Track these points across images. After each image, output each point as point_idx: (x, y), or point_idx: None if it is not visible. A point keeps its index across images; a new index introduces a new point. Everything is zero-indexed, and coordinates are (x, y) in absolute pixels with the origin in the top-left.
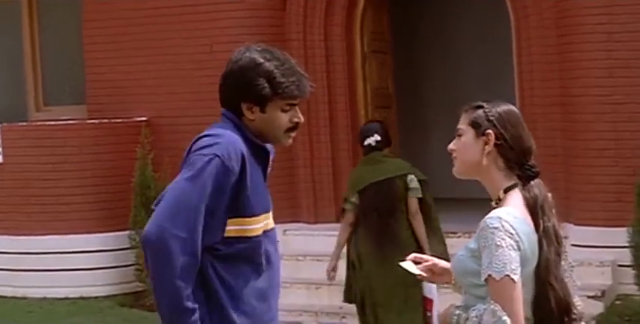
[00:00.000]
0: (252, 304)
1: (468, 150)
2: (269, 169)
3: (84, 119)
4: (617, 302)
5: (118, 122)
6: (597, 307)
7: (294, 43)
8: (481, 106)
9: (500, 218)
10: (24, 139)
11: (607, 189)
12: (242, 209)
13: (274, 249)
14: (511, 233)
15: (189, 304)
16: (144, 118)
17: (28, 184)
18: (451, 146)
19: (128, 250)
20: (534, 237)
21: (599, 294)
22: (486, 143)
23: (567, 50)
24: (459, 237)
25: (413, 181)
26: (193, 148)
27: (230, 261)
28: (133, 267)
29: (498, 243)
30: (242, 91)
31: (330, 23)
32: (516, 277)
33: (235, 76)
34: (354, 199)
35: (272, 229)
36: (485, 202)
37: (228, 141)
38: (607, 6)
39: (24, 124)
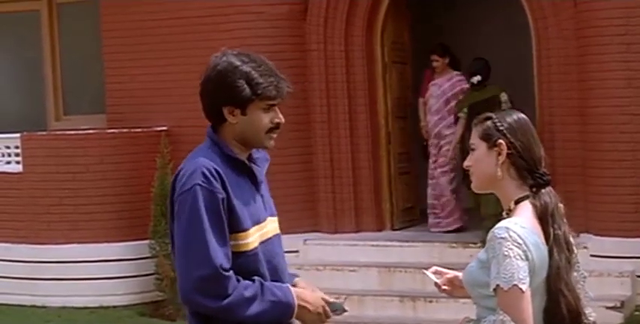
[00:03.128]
0: None
1: (482, 163)
2: (261, 177)
3: (104, 129)
4: (637, 313)
5: (137, 132)
6: (616, 318)
7: (314, 54)
8: (490, 118)
9: (507, 228)
10: (44, 148)
11: (625, 200)
12: (233, 225)
13: (279, 256)
14: (519, 243)
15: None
16: (164, 128)
17: (48, 193)
18: (466, 163)
19: (148, 260)
20: (544, 248)
21: (618, 304)
22: (499, 154)
23: (586, 61)
24: (479, 247)
25: (503, 96)
26: (176, 187)
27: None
28: (152, 276)
29: (506, 253)
30: (223, 95)
31: (351, 34)
32: (524, 287)
33: (215, 81)
34: (465, 110)
35: (270, 238)
36: None
37: (201, 166)
38: (626, 17)
39: (44, 133)
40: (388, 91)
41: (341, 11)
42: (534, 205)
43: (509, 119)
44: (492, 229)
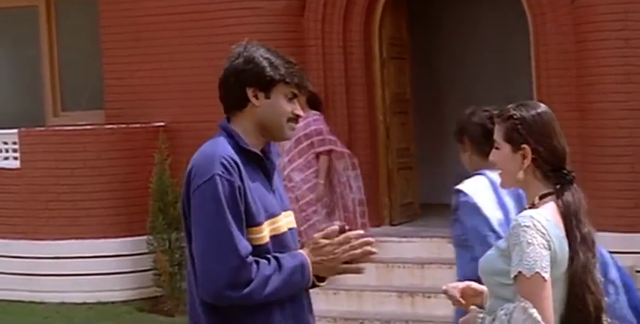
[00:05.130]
0: (270, 312)
1: (508, 164)
2: (274, 170)
3: (101, 124)
4: None
5: (135, 127)
6: None
7: (312, 49)
8: (512, 116)
9: (532, 217)
10: (42, 144)
11: (624, 195)
12: (247, 219)
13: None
14: (543, 232)
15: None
16: (161, 124)
17: (46, 189)
18: (491, 158)
19: (146, 255)
20: (565, 242)
21: None
22: (524, 157)
23: (584, 57)
24: None
25: None
26: (192, 181)
27: None
28: (150, 272)
29: (530, 241)
30: (248, 76)
31: (349, 29)
32: (547, 276)
33: (242, 64)
34: None
35: (283, 232)
36: None
37: (219, 156)
38: (624, 12)
39: (42, 129)
40: (386, 87)
41: (339, 7)
42: (559, 206)
43: (531, 118)
44: (516, 218)
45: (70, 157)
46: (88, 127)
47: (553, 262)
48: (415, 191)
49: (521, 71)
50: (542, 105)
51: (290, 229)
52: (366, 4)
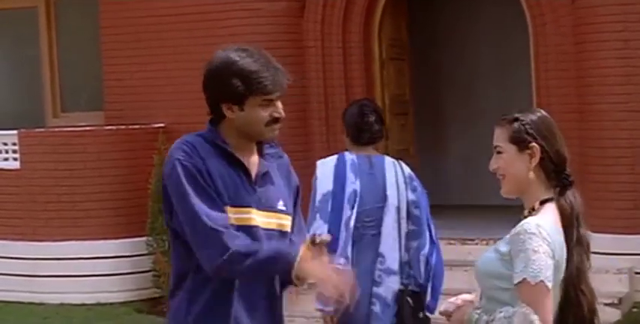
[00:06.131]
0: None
1: (514, 166)
2: (263, 169)
3: (101, 125)
4: (635, 310)
5: (135, 128)
6: (614, 315)
7: (311, 51)
8: (516, 119)
9: (538, 225)
10: (41, 145)
11: (623, 196)
12: None
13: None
14: (548, 241)
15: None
16: (161, 125)
17: (46, 190)
18: (493, 165)
19: (145, 256)
20: (565, 247)
21: (615, 301)
22: (532, 156)
23: (584, 58)
24: (477, 244)
25: None
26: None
27: None
28: (150, 273)
29: (536, 249)
30: (219, 92)
31: (348, 30)
32: (550, 285)
33: (212, 78)
34: None
35: (254, 226)
36: (502, 209)
37: (179, 143)
38: (624, 13)
39: (41, 130)
40: (386, 88)
41: (338, 8)
42: (561, 207)
43: (536, 120)
44: (521, 223)
45: (70, 159)
46: (88, 128)
47: (555, 268)
48: None
49: (520, 67)
50: (543, 111)
51: (267, 229)
52: (366, 5)
